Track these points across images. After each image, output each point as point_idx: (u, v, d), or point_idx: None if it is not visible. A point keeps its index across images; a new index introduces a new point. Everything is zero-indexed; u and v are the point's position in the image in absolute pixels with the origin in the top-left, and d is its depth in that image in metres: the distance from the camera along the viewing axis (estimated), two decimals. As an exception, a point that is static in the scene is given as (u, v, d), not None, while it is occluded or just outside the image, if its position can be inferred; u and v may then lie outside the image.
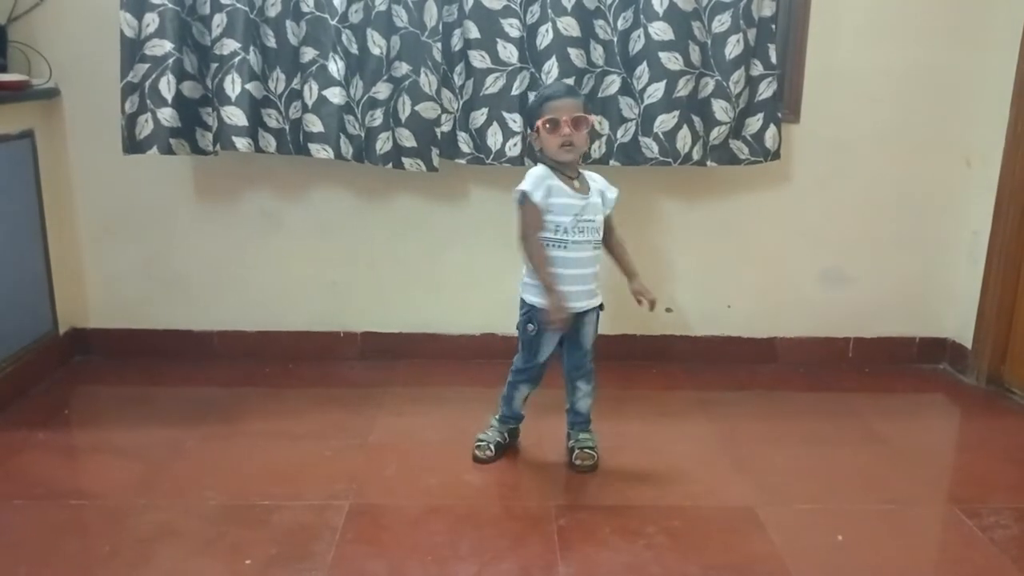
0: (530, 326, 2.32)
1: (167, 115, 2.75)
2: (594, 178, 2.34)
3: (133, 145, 2.79)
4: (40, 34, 2.87)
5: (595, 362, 2.41)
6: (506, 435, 2.47)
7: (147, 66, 2.73)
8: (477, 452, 2.42)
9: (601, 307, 2.37)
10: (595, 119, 2.31)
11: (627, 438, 2.62)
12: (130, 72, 2.74)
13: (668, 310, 3.22)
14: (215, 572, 1.91)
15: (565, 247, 2.24)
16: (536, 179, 2.22)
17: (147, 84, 2.74)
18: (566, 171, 2.27)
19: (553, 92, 2.28)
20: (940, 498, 2.35)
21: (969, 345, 3.16)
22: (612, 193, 2.35)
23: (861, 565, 2.00)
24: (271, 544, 2.00)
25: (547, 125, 2.21)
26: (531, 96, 2.86)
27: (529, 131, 2.33)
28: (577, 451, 2.40)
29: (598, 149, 2.90)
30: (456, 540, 2.05)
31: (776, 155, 2.95)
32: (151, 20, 2.70)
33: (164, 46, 2.71)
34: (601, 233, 2.31)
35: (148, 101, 2.75)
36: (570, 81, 2.80)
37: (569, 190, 2.24)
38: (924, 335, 3.29)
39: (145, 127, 2.77)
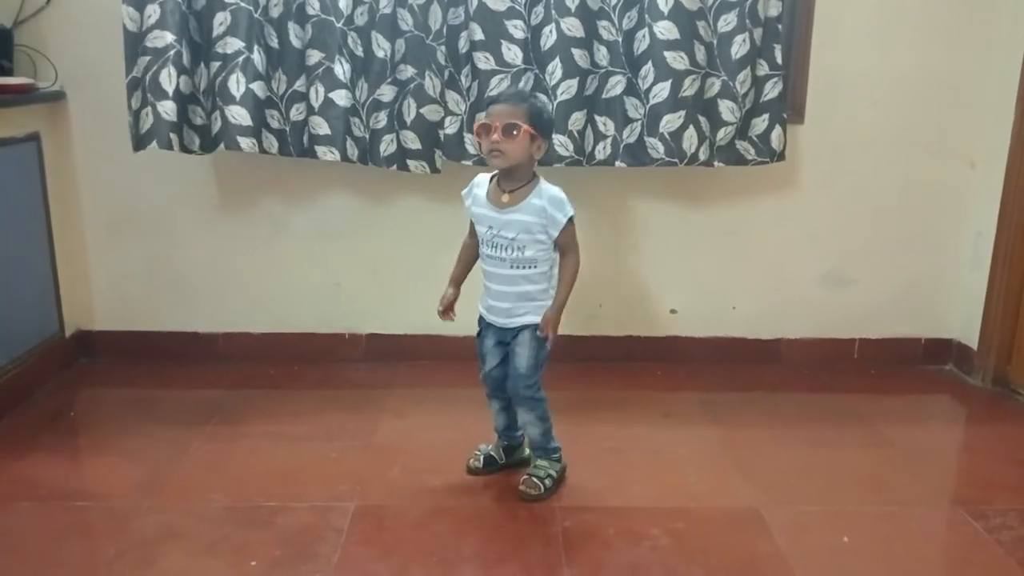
0: (477, 329, 2.31)
1: (167, 108, 2.74)
2: (543, 194, 2.14)
3: (138, 141, 2.79)
4: (46, 37, 2.88)
5: (543, 391, 2.24)
6: (501, 453, 2.38)
7: (148, 58, 2.72)
8: (470, 460, 2.38)
9: (536, 329, 2.18)
10: (529, 132, 2.07)
11: (631, 439, 2.62)
12: (134, 67, 2.73)
13: (672, 311, 3.22)
14: (220, 574, 1.91)
15: (483, 258, 2.21)
16: (469, 186, 2.24)
17: (147, 77, 2.73)
18: (501, 181, 2.17)
19: (496, 95, 2.19)
20: (946, 499, 2.34)
21: (974, 346, 3.16)
22: (560, 214, 2.12)
23: (866, 567, 1.99)
24: (276, 546, 2.00)
25: (479, 128, 2.12)
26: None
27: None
28: (524, 477, 2.27)
29: (603, 150, 2.90)
30: (460, 542, 2.05)
31: (781, 156, 2.95)
32: (152, 11, 2.69)
33: (165, 38, 2.70)
34: (527, 252, 2.14)
35: (149, 94, 2.74)
36: (572, 82, 2.80)
37: (487, 201, 2.17)
38: (929, 336, 3.28)
39: (146, 121, 2.76)
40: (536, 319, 2.18)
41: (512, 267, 2.16)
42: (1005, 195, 2.99)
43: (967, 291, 3.18)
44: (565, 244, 2.16)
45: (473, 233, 2.26)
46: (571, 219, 2.13)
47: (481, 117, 2.14)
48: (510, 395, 2.25)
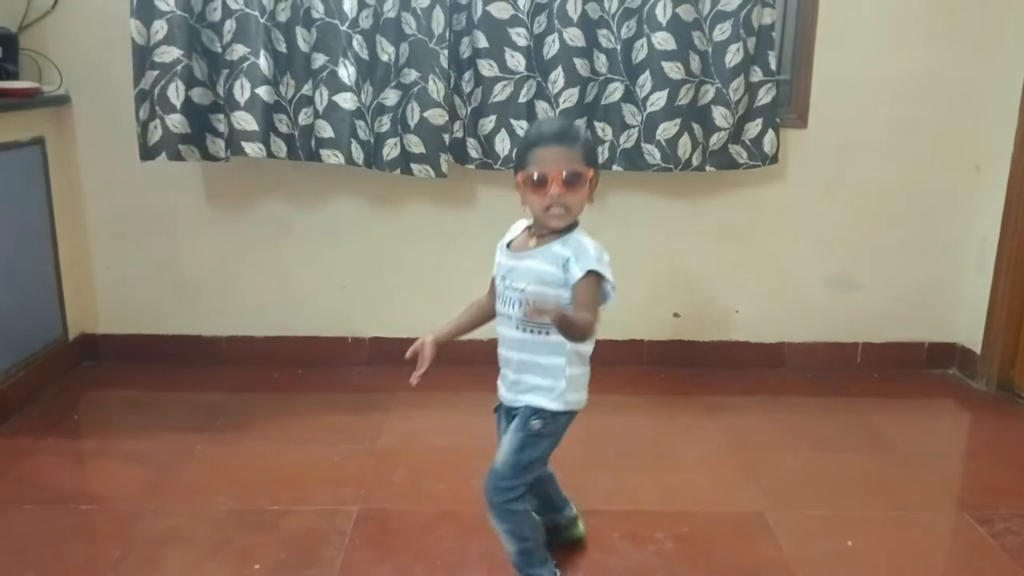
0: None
1: (176, 121, 2.77)
2: (572, 242, 1.70)
3: (146, 152, 2.81)
4: (51, 42, 2.88)
5: (523, 502, 1.79)
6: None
7: (156, 73, 2.75)
8: None
9: (531, 419, 1.73)
10: (591, 177, 1.69)
11: (635, 443, 2.62)
12: (141, 79, 2.75)
13: (676, 315, 3.22)
14: (224, 577, 1.92)
15: (497, 317, 1.80)
16: (504, 237, 1.84)
17: (156, 91, 2.76)
18: (536, 226, 1.76)
19: (541, 136, 1.68)
20: (950, 504, 2.34)
21: (978, 350, 3.15)
22: (578, 265, 1.65)
23: (870, 572, 1.99)
24: (280, 549, 2.01)
25: (529, 181, 1.67)
26: (539, 105, 2.88)
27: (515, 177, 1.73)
28: None
29: (601, 155, 2.91)
30: (464, 546, 2.05)
31: (774, 159, 2.96)
32: (159, 27, 2.72)
33: (172, 53, 2.73)
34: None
35: (157, 108, 2.77)
36: (574, 91, 2.81)
37: (508, 248, 1.79)
38: (933, 340, 3.28)
39: (155, 133, 2.79)
40: (543, 402, 1.73)
41: (519, 328, 1.72)
42: (1009, 199, 2.99)
43: (971, 295, 3.17)
44: (580, 301, 1.66)
45: (492, 291, 1.84)
46: (592, 273, 1.65)
47: (532, 166, 1.66)
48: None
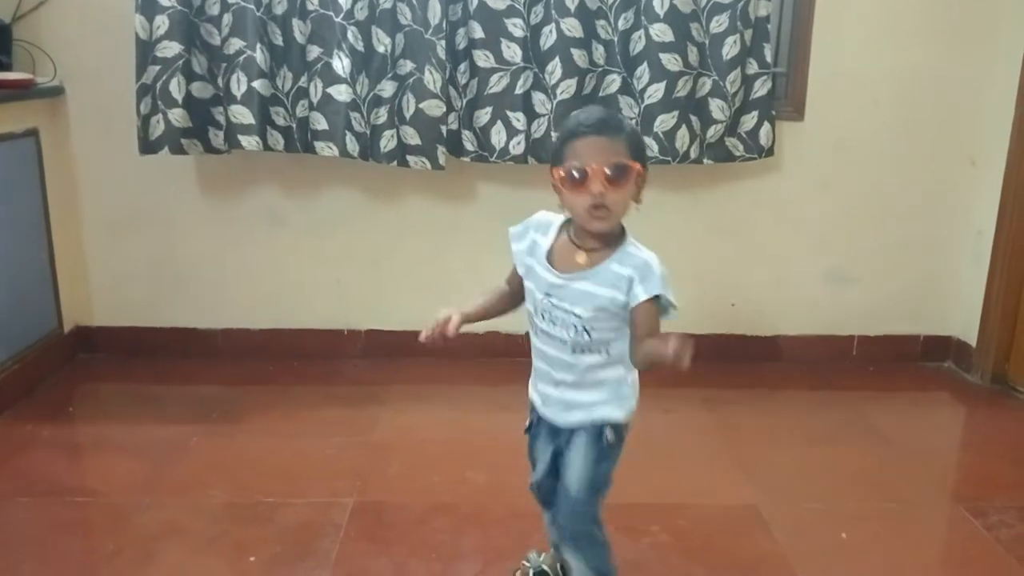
0: (527, 421, 1.72)
1: (178, 115, 2.77)
2: (630, 259, 1.50)
3: (147, 145, 2.81)
4: (45, 32, 2.87)
5: (600, 525, 1.64)
6: (559, 570, 1.81)
7: (158, 68, 2.75)
8: (515, 573, 1.86)
9: (602, 433, 1.59)
10: (639, 171, 1.49)
11: (631, 436, 2.62)
12: (143, 74, 2.75)
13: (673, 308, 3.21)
14: (219, 570, 1.92)
15: (535, 331, 1.60)
16: (524, 225, 1.62)
17: (158, 85, 2.76)
18: (579, 233, 1.54)
19: (579, 126, 1.47)
20: (945, 497, 2.34)
21: (974, 343, 3.16)
22: (643, 290, 1.47)
23: (865, 564, 2.00)
24: (275, 542, 2.00)
25: (567, 177, 1.46)
26: (535, 97, 2.87)
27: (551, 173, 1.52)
28: None
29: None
30: (460, 538, 2.05)
31: (770, 152, 2.97)
32: (161, 22, 2.71)
33: (173, 48, 2.73)
34: (597, 334, 1.52)
35: (159, 102, 2.77)
36: (571, 82, 2.80)
37: (549, 258, 1.56)
38: (928, 334, 3.28)
39: (157, 128, 2.79)
40: (609, 413, 1.59)
41: (576, 351, 1.55)
42: (1005, 193, 2.99)
43: (967, 289, 3.18)
44: (647, 330, 1.49)
45: (515, 282, 1.65)
46: (657, 299, 1.48)
47: (569, 161, 1.46)
48: (555, 523, 1.69)
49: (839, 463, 2.49)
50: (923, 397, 3.07)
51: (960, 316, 3.22)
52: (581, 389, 1.57)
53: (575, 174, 1.45)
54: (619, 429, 1.62)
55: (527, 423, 1.71)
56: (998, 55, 2.98)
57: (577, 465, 1.59)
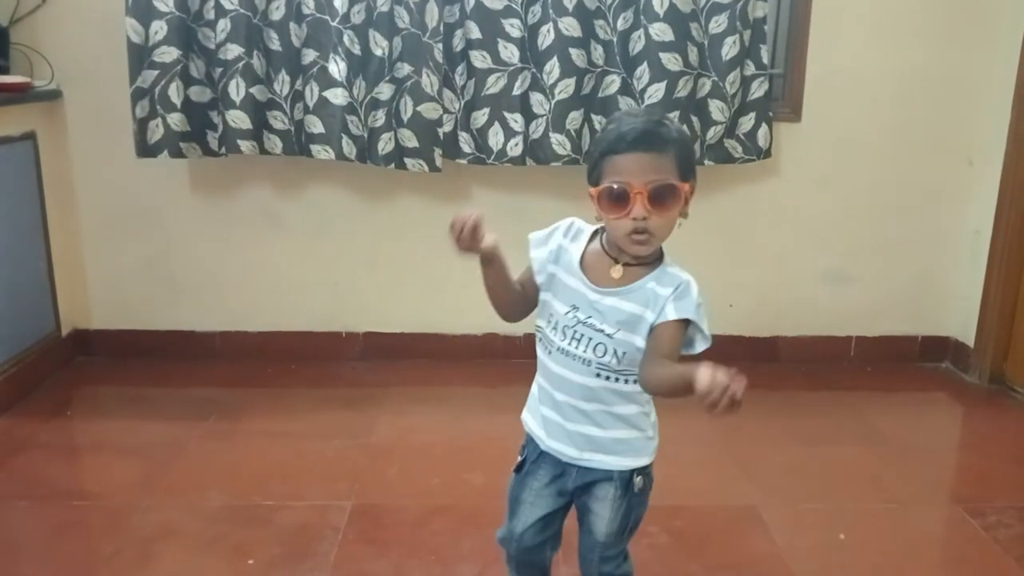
0: (519, 457, 1.53)
1: (176, 120, 2.78)
2: (669, 279, 1.37)
3: (145, 149, 2.81)
4: (42, 36, 2.87)
5: (628, 557, 1.56)
6: None
7: (156, 72, 2.75)
8: None
9: (633, 478, 1.44)
10: (688, 192, 1.35)
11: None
12: (138, 78, 2.75)
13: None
14: (217, 572, 1.91)
15: (548, 351, 1.42)
16: (550, 230, 1.46)
17: (156, 90, 2.76)
18: (617, 251, 1.39)
19: (621, 137, 1.30)
20: (943, 497, 2.34)
21: (971, 343, 3.16)
22: (673, 309, 1.34)
23: (863, 564, 2.00)
24: (274, 544, 2.00)
25: (606, 197, 1.31)
26: (533, 97, 2.87)
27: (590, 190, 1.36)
28: None
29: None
30: (458, 540, 2.05)
31: (768, 153, 2.97)
32: (159, 28, 2.71)
33: (172, 53, 2.73)
34: (627, 358, 1.37)
35: (158, 107, 2.77)
36: (570, 81, 2.79)
37: (580, 269, 1.40)
38: (926, 334, 3.29)
39: (156, 132, 2.79)
40: (636, 459, 1.44)
41: (599, 376, 1.38)
42: (1002, 193, 2.99)
43: (964, 289, 3.18)
44: (668, 350, 1.33)
45: (529, 287, 1.46)
46: (688, 324, 1.35)
47: (608, 177, 1.31)
48: (580, 570, 1.52)
49: (837, 463, 2.49)
50: (921, 397, 3.07)
51: (958, 316, 3.23)
52: (601, 423, 1.41)
53: (615, 195, 1.29)
54: (648, 471, 1.47)
55: (519, 460, 1.51)
56: (995, 55, 2.98)
57: (606, 517, 1.45)
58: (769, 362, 3.26)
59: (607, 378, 1.38)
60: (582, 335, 1.37)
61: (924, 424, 2.87)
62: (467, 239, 1.39)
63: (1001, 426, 2.80)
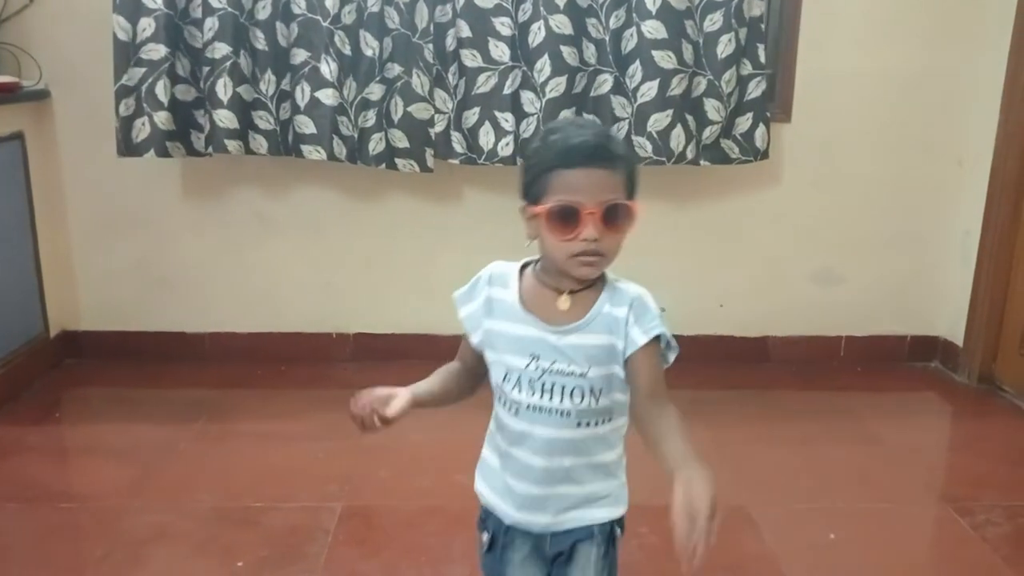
0: (483, 536, 1.39)
1: (163, 118, 2.76)
2: (620, 296, 1.24)
3: (129, 148, 2.79)
4: (30, 36, 2.85)
5: None
6: None
7: (143, 70, 2.73)
8: None
9: (612, 533, 1.33)
10: (637, 210, 1.21)
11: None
12: (124, 75, 2.73)
13: (661, 309, 3.22)
14: (208, 574, 1.91)
15: (515, 411, 1.27)
16: (472, 283, 1.31)
17: (143, 88, 2.74)
18: (549, 274, 1.23)
19: (568, 151, 1.15)
20: (932, 496, 2.35)
21: (960, 343, 3.17)
22: (640, 331, 1.21)
23: (853, 564, 2.00)
24: (264, 546, 2.00)
25: (552, 218, 1.15)
26: (524, 96, 2.86)
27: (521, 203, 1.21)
28: None
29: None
30: (449, 541, 2.04)
31: (765, 154, 2.96)
32: (147, 25, 2.70)
33: (159, 50, 2.72)
34: (602, 399, 1.24)
35: (144, 105, 2.76)
36: (561, 80, 2.79)
37: (524, 311, 1.23)
38: (916, 334, 3.30)
39: (142, 131, 2.78)
40: (615, 508, 1.33)
41: (580, 424, 1.24)
42: (991, 193, 3.00)
43: (953, 289, 3.19)
44: (652, 383, 1.23)
45: (469, 357, 1.37)
46: (657, 341, 1.23)
47: (553, 194, 1.15)
48: None
49: (827, 463, 2.50)
50: (910, 397, 3.09)
51: (947, 316, 3.24)
52: (580, 479, 1.28)
53: (564, 214, 1.14)
54: (623, 520, 1.35)
55: (484, 541, 1.36)
56: (984, 56, 2.99)
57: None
58: (759, 362, 3.27)
59: (588, 424, 1.25)
60: (552, 384, 1.22)
61: (913, 424, 2.88)
62: (371, 425, 1.31)
63: (990, 425, 2.82)
